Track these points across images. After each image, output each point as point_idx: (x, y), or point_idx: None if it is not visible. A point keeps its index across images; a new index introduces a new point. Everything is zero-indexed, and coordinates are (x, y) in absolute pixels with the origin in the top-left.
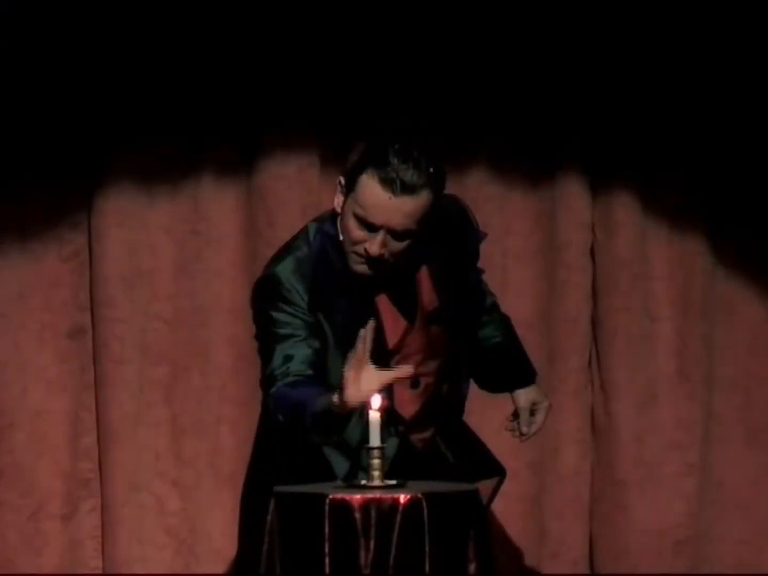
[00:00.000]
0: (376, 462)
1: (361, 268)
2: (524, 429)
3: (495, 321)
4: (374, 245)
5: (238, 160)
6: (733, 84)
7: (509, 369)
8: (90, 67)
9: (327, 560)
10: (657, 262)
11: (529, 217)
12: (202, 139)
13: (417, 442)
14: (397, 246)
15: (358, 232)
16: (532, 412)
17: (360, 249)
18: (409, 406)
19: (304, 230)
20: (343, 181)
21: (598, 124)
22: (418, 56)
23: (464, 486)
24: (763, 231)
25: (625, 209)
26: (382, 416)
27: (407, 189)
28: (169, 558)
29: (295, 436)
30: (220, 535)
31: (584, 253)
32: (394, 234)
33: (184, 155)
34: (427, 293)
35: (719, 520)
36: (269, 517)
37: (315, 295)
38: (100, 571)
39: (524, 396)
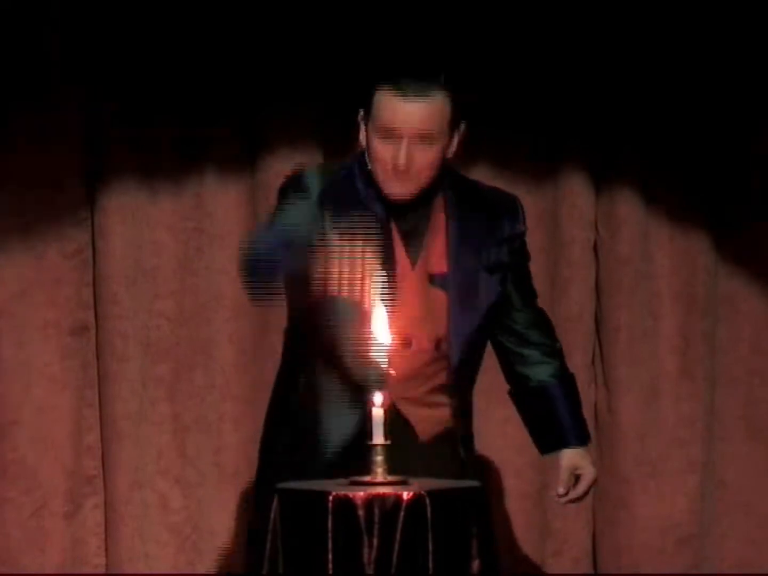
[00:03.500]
0: (379, 459)
1: (395, 187)
2: (560, 489)
3: (552, 365)
4: (400, 154)
5: (242, 157)
6: (736, 82)
7: (552, 421)
8: (93, 63)
9: (330, 557)
10: (660, 260)
11: (532, 215)
12: (205, 136)
13: (417, 423)
14: (423, 157)
15: (383, 148)
16: (577, 478)
17: (388, 166)
18: (397, 364)
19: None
20: (361, 113)
21: (600, 121)
22: (421, 52)
23: (468, 483)
24: (765, 228)
25: (628, 206)
26: (385, 413)
27: (419, 91)
28: (172, 555)
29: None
30: (224, 532)
31: (587, 251)
32: (417, 139)
33: (187, 152)
34: (438, 254)
35: (722, 518)
36: (272, 515)
37: (329, 201)
38: (103, 569)
39: (567, 457)
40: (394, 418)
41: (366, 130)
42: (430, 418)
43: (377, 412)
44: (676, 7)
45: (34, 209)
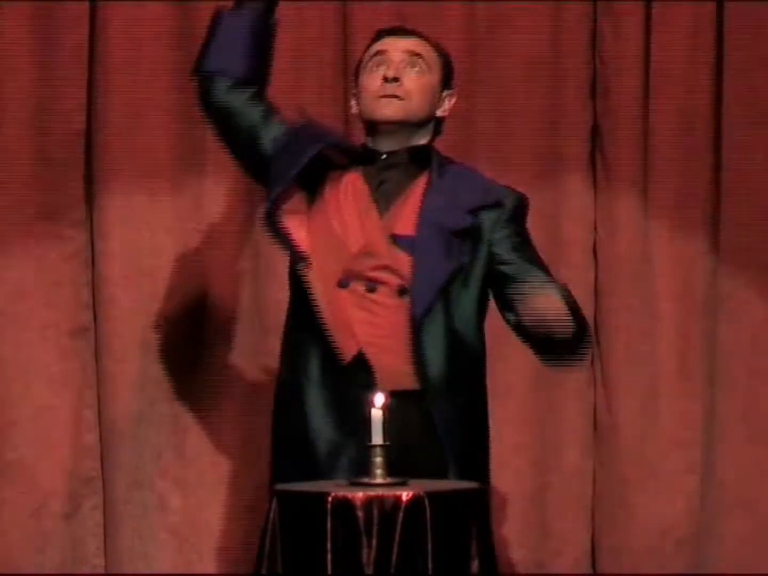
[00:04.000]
0: (378, 460)
1: (385, 108)
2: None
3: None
4: (390, 68)
5: None
6: (736, 85)
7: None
8: (93, 62)
9: (329, 558)
10: (659, 260)
11: (531, 216)
12: (204, 138)
13: (379, 369)
14: (413, 80)
15: (373, 73)
16: None
17: (378, 83)
18: (360, 312)
19: None
20: (354, 89)
21: (600, 122)
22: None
23: (467, 484)
24: (765, 228)
25: (627, 207)
26: (384, 415)
27: (403, 31)
28: (171, 556)
29: None
30: (223, 532)
31: (587, 252)
32: (406, 62)
33: (186, 153)
34: (406, 217)
35: (721, 519)
36: (270, 516)
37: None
38: (102, 570)
39: None
40: (360, 363)
41: (357, 90)
42: (392, 368)
43: (376, 413)
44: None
45: (33, 210)
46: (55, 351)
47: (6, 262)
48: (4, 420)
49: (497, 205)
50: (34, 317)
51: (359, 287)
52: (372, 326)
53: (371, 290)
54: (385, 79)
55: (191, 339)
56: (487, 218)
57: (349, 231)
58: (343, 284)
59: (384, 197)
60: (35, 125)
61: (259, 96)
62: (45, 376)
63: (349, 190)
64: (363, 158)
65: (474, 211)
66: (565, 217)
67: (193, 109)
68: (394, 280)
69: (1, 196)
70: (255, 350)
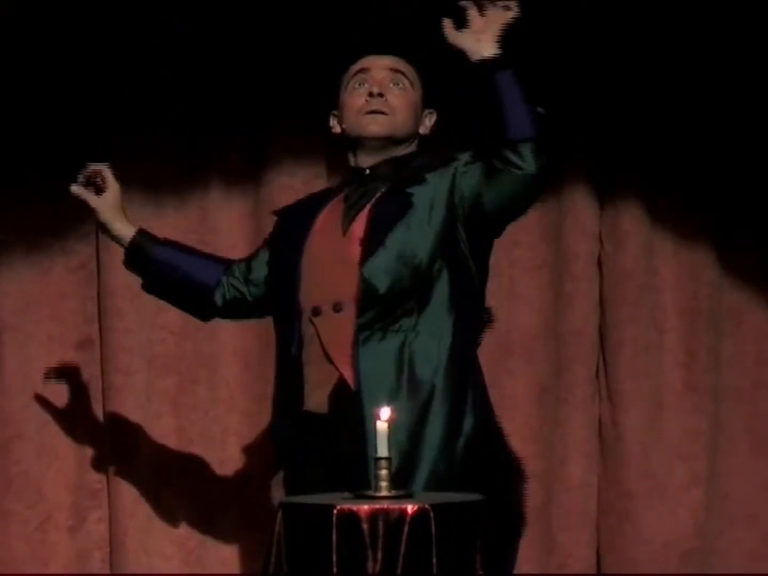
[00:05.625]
0: (383, 473)
1: (371, 125)
2: None
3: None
4: (374, 85)
5: (246, 171)
6: (741, 96)
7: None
8: (97, 76)
9: (334, 571)
10: (664, 273)
11: (536, 229)
12: (209, 150)
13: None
14: (397, 96)
15: (355, 92)
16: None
17: (362, 101)
18: (334, 334)
19: None
20: (332, 118)
21: (604, 134)
22: (423, 67)
23: (472, 497)
24: None
25: (632, 220)
26: (389, 427)
27: (382, 49)
28: (176, 568)
29: None
30: (228, 545)
31: (591, 264)
32: (389, 78)
33: (191, 166)
34: (362, 220)
35: (726, 531)
36: (276, 528)
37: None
38: None
39: None
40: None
41: (339, 110)
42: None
43: (381, 426)
44: (681, 24)
45: (38, 223)
46: (60, 364)
47: (12, 274)
48: (9, 433)
49: (451, 160)
50: (39, 330)
51: (328, 309)
52: (339, 345)
53: (337, 310)
54: (370, 95)
55: (196, 352)
56: (440, 178)
57: (314, 252)
58: (315, 313)
59: (356, 209)
60: (42, 137)
61: (230, 270)
62: (50, 389)
63: (329, 214)
64: (350, 178)
65: (423, 176)
66: (570, 229)
67: (198, 121)
68: (350, 294)
69: (7, 209)
70: (259, 362)
